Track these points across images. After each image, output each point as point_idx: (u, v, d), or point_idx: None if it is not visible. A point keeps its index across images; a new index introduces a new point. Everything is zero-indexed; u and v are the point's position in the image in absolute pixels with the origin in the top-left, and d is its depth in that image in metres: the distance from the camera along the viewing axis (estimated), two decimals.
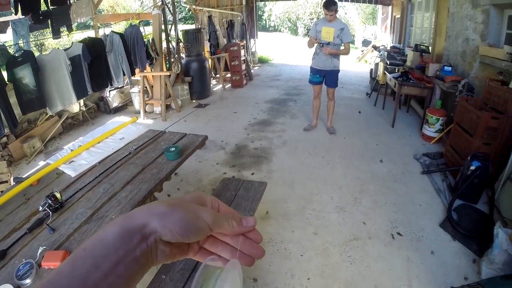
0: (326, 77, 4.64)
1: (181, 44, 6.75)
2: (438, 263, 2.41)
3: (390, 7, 10.29)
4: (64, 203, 1.83)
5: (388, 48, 8.00)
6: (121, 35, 5.00)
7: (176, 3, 6.87)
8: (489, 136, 3.15)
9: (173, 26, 6.37)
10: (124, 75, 5.12)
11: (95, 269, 0.31)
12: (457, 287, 1.89)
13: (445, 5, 5.03)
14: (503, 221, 2.59)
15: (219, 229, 0.40)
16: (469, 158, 2.98)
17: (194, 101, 6.95)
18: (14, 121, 3.71)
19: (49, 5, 4.95)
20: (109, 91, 6.06)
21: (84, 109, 5.64)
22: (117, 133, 2.89)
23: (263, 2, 16.14)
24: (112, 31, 4.98)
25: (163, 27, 6.01)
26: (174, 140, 2.73)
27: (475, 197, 3.02)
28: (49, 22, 5.05)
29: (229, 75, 8.36)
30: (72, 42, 4.44)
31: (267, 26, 25.89)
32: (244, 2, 10.34)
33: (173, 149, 2.38)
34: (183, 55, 7.05)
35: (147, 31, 6.10)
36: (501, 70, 3.43)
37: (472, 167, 2.90)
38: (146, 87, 6.18)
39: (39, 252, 1.44)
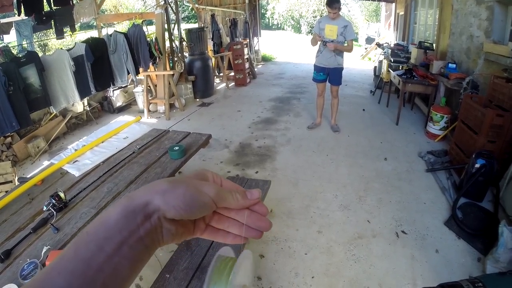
0: (330, 75, 4.63)
1: (184, 43, 6.75)
2: (443, 262, 2.39)
3: (393, 4, 10.22)
4: (68, 203, 1.84)
5: (392, 45, 7.97)
6: (125, 34, 5.01)
7: (179, 2, 6.88)
8: (494, 134, 3.13)
9: (176, 25, 6.37)
10: (128, 73, 5.14)
11: (99, 251, 0.31)
12: (457, 281, 1.88)
13: (449, 2, 4.99)
14: (508, 220, 2.57)
15: (223, 203, 0.39)
16: (474, 156, 2.96)
17: (197, 100, 6.95)
18: (28, 120, 3.79)
19: (52, 5, 4.97)
20: (113, 90, 6.08)
21: (88, 108, 5.66)
22: (121, 132, 2.90)
23: (266, 0, 16.11)
24: (116, 31, 4.99)
25: (166, 26, 6.01)
26: (178, 139, 2.73)
27: (480, 195, 3.01)
28: (52, 22, 5.07)
29: (232, 73, 8.36)
30: (75, 43, 4.45)
31: (270, 24, 25.92)
32: (247, 1, 10.32)
33: (177, 148, 2.38)
34: (186, 54, 7.06)
35: (150, 31, 6.10)
36: (506, 67, 3.40)
37: (477, 165, 2.88)
38: (149, 86, 6.20)
39: (43, 251, 1.45)
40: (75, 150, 2.57)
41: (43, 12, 4.83)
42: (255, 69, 9.63)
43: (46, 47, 10.84)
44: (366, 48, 13.35)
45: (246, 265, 0.40)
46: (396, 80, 5.33)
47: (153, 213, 0.34)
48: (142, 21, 5.57)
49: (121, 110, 6.35)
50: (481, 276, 1.90)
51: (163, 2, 5.90)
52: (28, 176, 2.38)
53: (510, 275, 1.80)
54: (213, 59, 7.89)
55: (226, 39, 8.88)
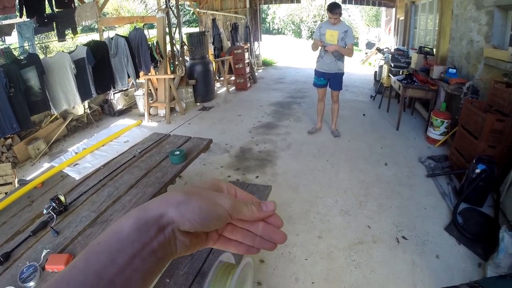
0: (330, 80, 4.63)
1: (185, 47, 6.77)
2: (443, 267, 2.39)
3: (393, 9, 10.27)
4: (68, 206, 1.84)
5: (392, 50, 7.98)
6: (126, 38, 5.02)
7: (180, 6, 6.90)
8: (494, 139, 3.13)
9: (177, 29, 6.39)
10: (129, 77, 5.15)
11: (111, 263, 0.30)
12: (456, 285, 1.88)
13: (449, 7, 5.01)
14: (509, 225, 2.56)
15: (238, 215, 0.38)
16: (474, 161, 2.96)
17: (198, 104, 6.96)
18: (28, 122, 3.81)
19: (54, 8, 4.98)
20: (114, 93, 6.09)
21: (89, 111, 5.67)
22: (121, 136, 2.90)
23: (266, 5, 16.18)
24: (117, 34, 5.01)
25: (167, 30, 6.03)
26: (179, 144, 2.73)
27: (480, 200, 3.00)
28: (54, 25, 5.08)
29: (233, 78, 8.37)
30: (77, 45, 4.47)
31: (271, 29, 25.99)
32: (247, 5, 10.37)
33: (177, 152, 2.38)
34: (187, 58, 7.07)
35: (152, 34, 6.12)
36: (506, 72, 3.41)
37: (477, 170, 2.88)
38: (150, 90, 6.20)
39: (43, 255, 1.44)
40: (76, 153, 2.57)
41: (45, 15, 4.85)
42: (256, 74, 9.65)
43: (48, 49, 10.87)
44: (366, 53, 13.38)
45: (246, 272, 0.40)
46: (397, 85, 5.34)
47: (167, 225, 0.34)
48: (143, 25, 5.61)
49: (121, 113, 6.36)
50: (481, 280, 1.90)
51: (165, 6, 5.92)
52: (28, 178, 2.38)
53: (511, 278, 1.80)
54: (214, 63, 7.91)
55: (227, 44, 8.90)
